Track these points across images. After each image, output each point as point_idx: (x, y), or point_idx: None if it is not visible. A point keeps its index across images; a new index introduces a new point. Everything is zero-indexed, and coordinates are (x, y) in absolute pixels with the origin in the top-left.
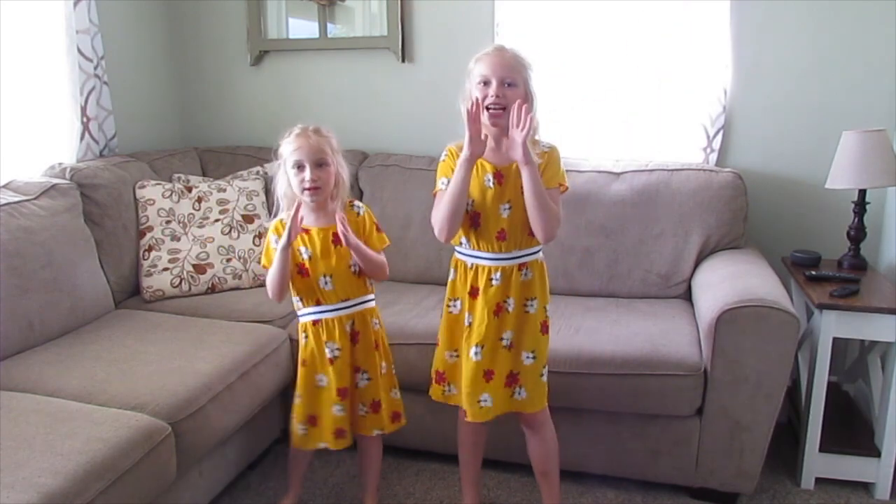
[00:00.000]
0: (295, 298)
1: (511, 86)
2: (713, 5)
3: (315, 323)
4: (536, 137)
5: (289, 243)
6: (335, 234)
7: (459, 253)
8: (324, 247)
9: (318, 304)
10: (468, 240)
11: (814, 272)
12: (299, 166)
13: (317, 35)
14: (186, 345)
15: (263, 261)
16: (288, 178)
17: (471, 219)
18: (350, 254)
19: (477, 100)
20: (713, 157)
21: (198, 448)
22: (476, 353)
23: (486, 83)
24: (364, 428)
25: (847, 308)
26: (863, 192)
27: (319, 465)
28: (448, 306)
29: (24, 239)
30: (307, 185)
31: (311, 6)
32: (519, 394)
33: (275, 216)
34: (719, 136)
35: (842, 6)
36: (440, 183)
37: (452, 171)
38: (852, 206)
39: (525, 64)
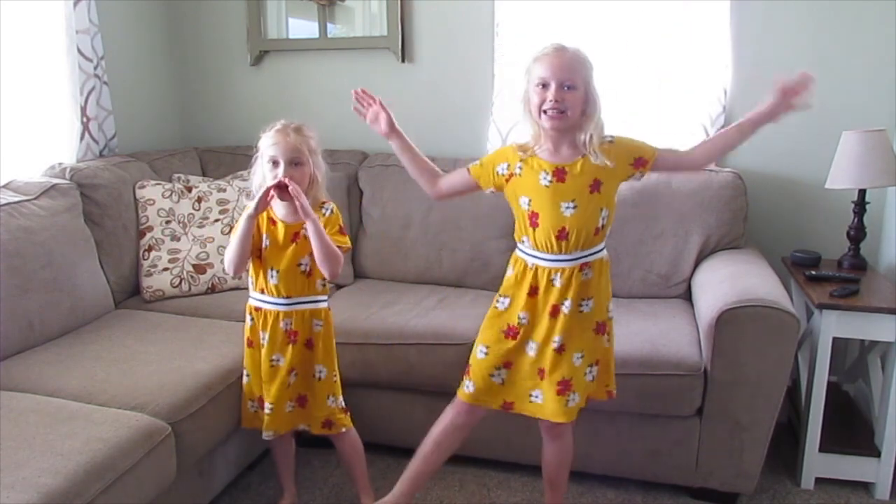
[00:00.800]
0: (249, 279)
1: (570, 88)
2: (713, 5)
3: (257, 309)
4: (602, 135)
5: (255, 214)
6: (295, 233)
7: (521, 251)
8: (283, 242)
9: (261, 292)
10: (528, 237)
11: (814, 272)
12: (274, 162)
13: (317, 35)
14: (186, 345)
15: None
16: (263, 171)
17: (529, 218)
18: (302, 252)
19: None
20: None
21: (198, 448)
22: (531, 349)
23: (545, 86)
24: (289, 424)
25: (847, 308)
26: (863, 192)
27: (319, 465)
28: (496, 301)
29: (24, 239)
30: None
31: (311, 6)
32: (573, 400)
33: (247, 206)
34: None
35: (842, 6)
36: (477, 166)
37: (492, 162)
38: (852, 206)
39: (586, 63)
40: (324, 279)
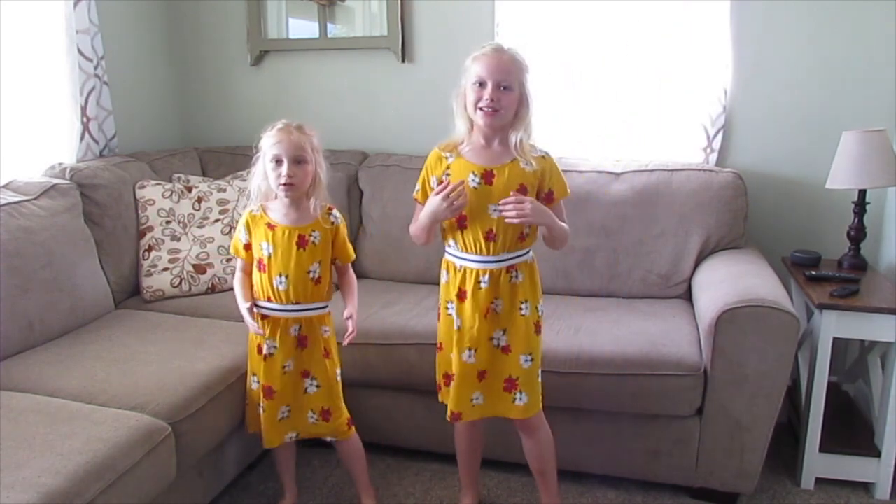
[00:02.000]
0: (254, 288)
1: (506, 89)
2: (713, 5)
3: (264, 317)
4: (531, 142)
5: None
6: (301, 236)
7: (449, 254)
8: (286, 247)
9: (268, 300)
10: (455, 241)
11: (814, 272)
12: (277, 161)
13: (317, 35)
14: (186, 345)
15: (231, 249)
16: (265, 171)
17: (457, 220)
18: (310, 260)
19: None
20: (713, 157)
21: (198, 448)
22: (469, 356)
23: (482, 84)
24: (319, 433)
25: (847, 308)
26: (863, 192)
27: (319, 465)
28: (446, 308)
29: (24, 239)
30: (283, 180)
31: (311, 6)
32: (520, 399)
33: (245, 207)
34: (719, 136)
35: (842, 6)
36: (416, 189)
37: (428, 182)
38: (852, 206)
39: (522, 66)
40: (330, 287)
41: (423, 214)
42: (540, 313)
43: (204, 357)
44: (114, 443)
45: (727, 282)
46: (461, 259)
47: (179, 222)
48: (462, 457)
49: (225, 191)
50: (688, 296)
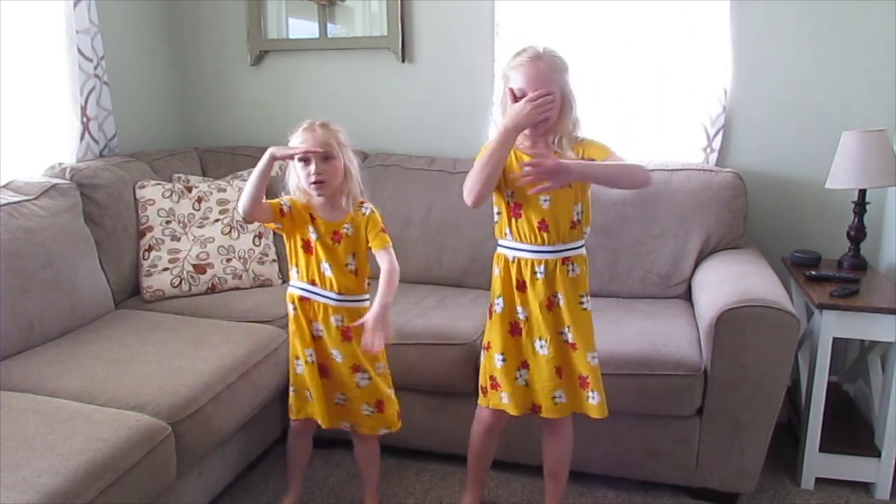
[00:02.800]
0: (293, 269)
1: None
2: (713, 5)
3: (303, 299)
4: (577, 135)
5: (275, 158)
6: (335, 232)
7: (501, 247)
8: (325, 241)
9: (312, 283)
10: (510, 230)
11: (814, 272)
12: (305, 160)
13: (317, 35)
14: (186, 345)
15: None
16: (297, 172)
17: (513, 210)
18: (346, 252)
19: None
20: (713, 157)
21: (198, 448)
22: (542, 347)
23: (523, 95)
24: (370, 428)
25: (847, 308)
26: (863, 192)
27: (319, 465)
28: (493, 305)
29: (24, 239)
30: (313, 178)
31: (311, 6)
32: (593, 397)
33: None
34: (719, 136)
35: (842, 6)
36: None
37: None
38: (852, 206)
39: (561, 69)
40: (368, 279)
41: (501, 127)
42: (591, 307)
43: (204, 357)
44: (114, 443)
45: (727, 282)
46: (514, 250)
47: (179, 222)
48: (474, 458)
49: (225, 191)
50: (688, 296)
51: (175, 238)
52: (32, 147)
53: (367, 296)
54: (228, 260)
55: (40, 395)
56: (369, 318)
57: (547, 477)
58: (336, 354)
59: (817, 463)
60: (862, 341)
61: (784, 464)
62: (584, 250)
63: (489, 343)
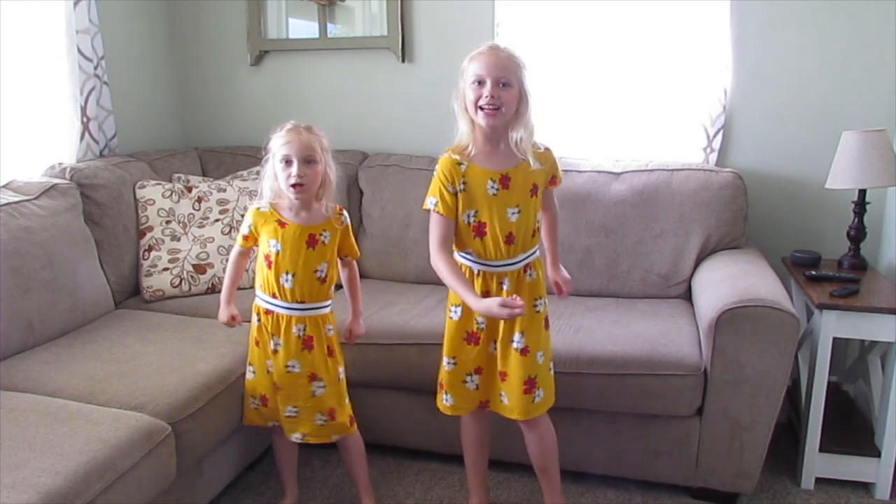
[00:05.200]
0: (258, 281)
1: (506, 86)
2: (713, 5)
3: (267, 312)
4: (533, 139)
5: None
6: (311, 235)
7: (464, 258)
8: (295, 245)
9: (273, 296)
10: (473, 250)
11: (814, 272)
12: (287, 161)
13: (317, 35)
14: (186, 345)
15: (239, 239)
16: (275, 172)
17: (475, 229)
18: (319, 259)
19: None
20: (713, 157)
21: (198, 448)
22: (493, 348)
23: (481, 83)
24: (324, 436)
25: (847, 308)
26: (863, 192)
27: (319, 465)
28: (449, 311)
29: (24, 239)
30: (293, 180)
31: (311, 6)
32: (538, 395)
33: (252, 202)
34: (719, 136)
35: (842, 7)
36: (430, 202)
37: (447, 189)
38: (852, 206)
39: (520, 63)
40: (337, 285)
41: (469, 298)
42: (546, 306)
43: (204, 357)
44: (114, 443)
45: (727, 282)
46: (479, 265)
47: (179, 222)
48: (469, 456)
49: (225, 191)
50: (688, 296)
51: (175, 238)
52: (32, 147)
53: (329, 302)
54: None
55: (40, 395)
56: (357, 331)
57: (538, 473)
58: (293, 364)
59: (817, 463)
60: (862, 341)
61: (784, 464)
62: (538, 252)
63: (444, 347)
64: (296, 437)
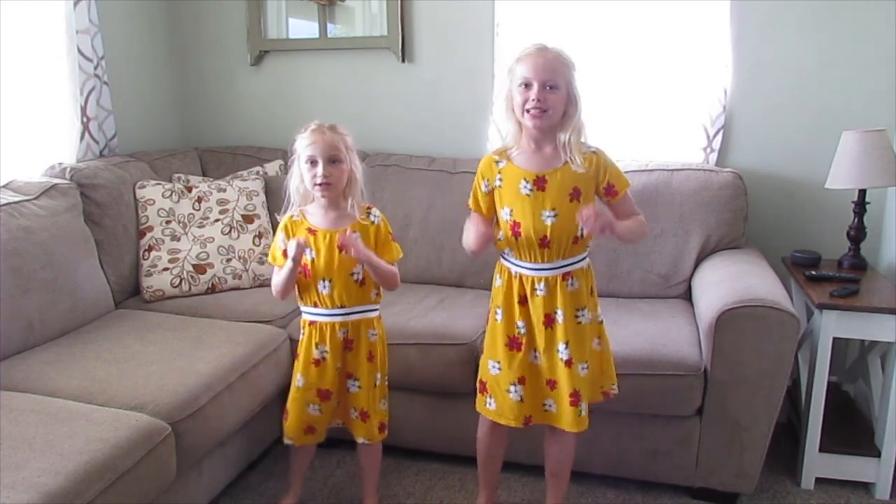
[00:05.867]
0: (299, 294)
1: (553, 88)
2: (713, 5)
3: (311, 323)
4: (582, 139)
5: (295, 266)
6: (342, 239)
7: (504, 259)
8: (328, 250)
9: (315, 305)
10: (511, 250)
11: (814, 272)
12: (312, 162)
13: (317, 35)
14: (186, 345)
15: (269, 258)
16: (301, 173)
17: (511, 228)
18: (353, 261)
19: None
20: (713, 157)
21: (198, 448)
22: (536, 358)
23: (528, 86)
24: (355, 431)
25: (847, 308)
26: (863, 192)
27: (319, 465)
28: (494, 313)
29: (24, 239)
30: (319, 180)
31: (311, 6)
32: (583, 409)
33: (285, 212)
34: (719, 136)
35: (842, 6)
36: (471, 200)
37: (480, 188)
38: (852, 206)
39: (568, 64)
40: (377, 288)
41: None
42: (599, 320)
43: (204, 357)
44: (114, 443)
45: (727, 282)
46: (516, 266)
47: (179, 222)
48: (483, 460)
49: (225, 191)
50: (688, 296)
51: (175, 238)
52: (32, 147)
53: (374, 306)
54: (228, 260)
55: (40, 395)
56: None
57: (548, 477)
58: (341, 367)
59: (817, 463)
60: (862, 341)
61: (784, 464)
62: (585, 263)
63: (486, 347)
64: (335, 422)
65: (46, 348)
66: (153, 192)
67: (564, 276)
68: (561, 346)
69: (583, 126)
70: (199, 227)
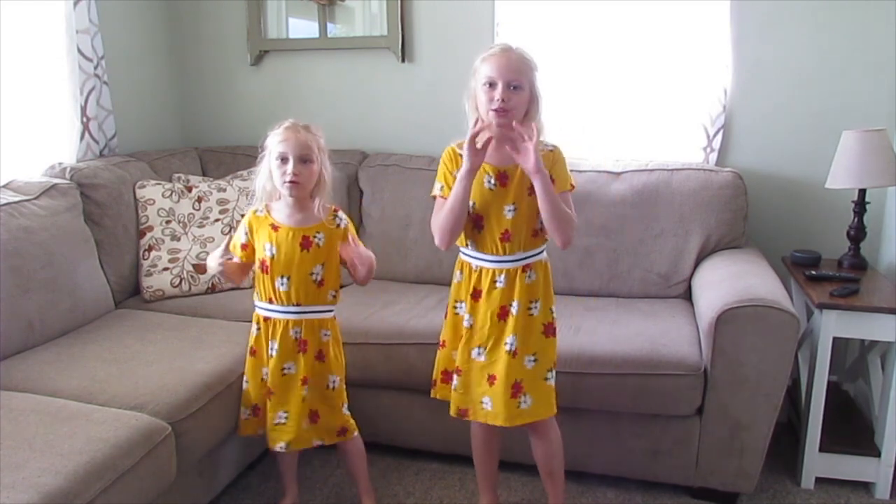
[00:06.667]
0: (255, 289)
1: (517, 88)
2: (713, 5)
3: (265, 319)
4: (542, 138)
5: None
6: (305, 237)
7: (464, 254)
8: (289, 248)
9: (269, 301)
10: (472, 242)
11: (814, 272)
12: (283, 159)
13: (317, 35)
14: (186, 345)
15: (237, 249)
16: (270, 169)
17: (473, 221)
18: (314, 261)
19: (478, 119)
20: (713, 156)
21: (198, 448)
22: (479, 354)
23: (492, 85)
24: (306, 442)
25: (847, 308)
26: (863, 192)
27: (319, 465)
28: (455, 307)
29: (24, 239)
30: (288, 178)
31: (311, 6)
32: (525, 402)
33: (249, 207)
34: (719, 136)
35: (842, 6)
36: (437, 188)
37: (451, 174)
38: (852, 205)
39: (531, 65)
40: (335, 290)
41: (460, 173)
42: (552, 314)
43: (204, 357)
44: (114, 443)
45: (727, 281)
46: (477, 259)
47: (179, 222)
48: (478, 459)
49: (225, 191)
50: (688, 296)
51: (175, 238)
52: (32, 147)
53: (329, 307)
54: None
55: (40, 395)
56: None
57: (543, 477)
58: (289, 367)
59: (817, 463)
60: (862, 341)
61: (784, 464)
62: (544, 256)
63: (444, 341)
64: (280, 446)
65: (46, 348)
66: (153, 192)
67: (524, 269)
68: (509, 339)
69: (543, 126)
70: (199, 226)
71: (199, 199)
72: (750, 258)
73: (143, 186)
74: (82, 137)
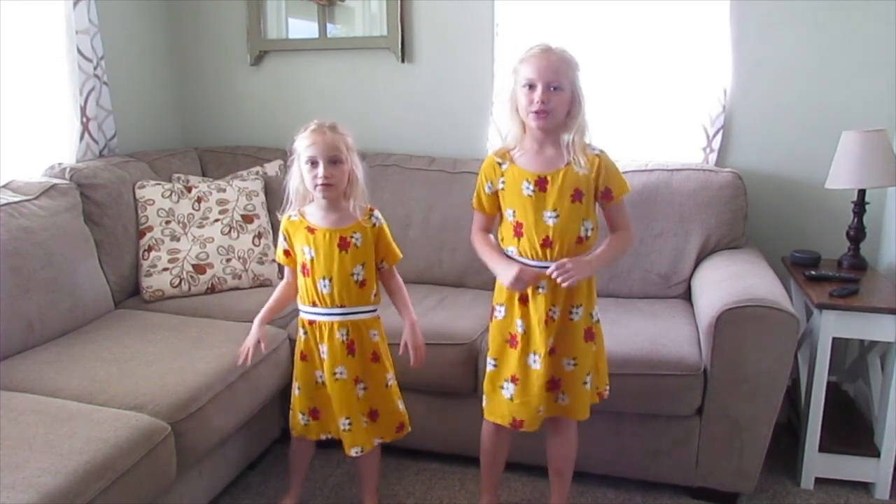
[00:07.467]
0: (299, 294)
1: (557, 89)
2: (713, 5)
3: (311, 323)
4: (586, 140)
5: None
6: (342, 238)
7: (510, 257)
8: (328, 249)
9: (313, 304)
10: (514, 247)
11: (814, 272)
12: (313, 162)
13: (317, 35)
14: (186, 345)
15: (280, 257)
16: (301, 173)
17: (514, 228)
18: (353, 262)
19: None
20: (713, 157)
21: (198, 448)
22: (535, 362)
23: (531, 87)
24: (369, 442)
25: (847, 308)
26: (862, 192)
27: (319, 465)
28: (494, 310)
29: (24, 239)
30: (320, 181)
31: (311, 6)
32: (562, 399)
33: (283, 212)
34: (719, 136)
35: (842, 6)
36: (475, 199)
37: (485, 186)
38: (852, 206)
39: (572, 65)
40: (377, 290)
41: (494, 267)
42: (594, 319)
43: (204, 357)
44: (114, 443)
45: (727, 281)
46: (520, 264)
47: (179, 222)
48: (486, 459)
49: (225, 191)
50: (688, 296)
51: (175, 238)
52: (32, 147)
53: (373, 307)
54: (228, 260)
55: (40, 395)
56: (412, 342)
57: (552, 475)
58: (341, 371)
59: (817, 463)
60: (862, 341)
61: (784, 464)
62: None
63: (488, 346)
64: (355, 450)
65: (46, 348)
66: (153, 192)
67: None
68: (550, 340)
69: (587, 126)
70: (198, 227)
71: (199, 200)
72: (750, 258)
73: (143, 187)
74: (82, 137)
